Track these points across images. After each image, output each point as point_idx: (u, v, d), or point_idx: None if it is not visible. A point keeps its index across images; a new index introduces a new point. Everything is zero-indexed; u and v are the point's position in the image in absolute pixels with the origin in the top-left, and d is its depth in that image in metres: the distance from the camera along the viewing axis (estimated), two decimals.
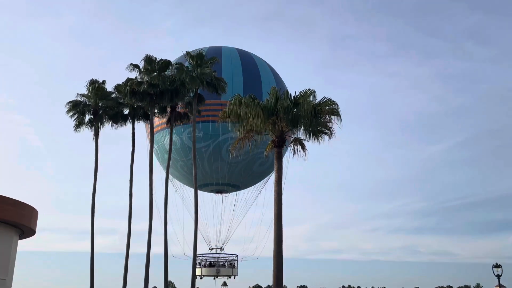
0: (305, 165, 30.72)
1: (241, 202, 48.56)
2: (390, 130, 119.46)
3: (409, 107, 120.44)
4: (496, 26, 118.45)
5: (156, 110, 39.63)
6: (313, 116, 28.81)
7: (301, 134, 29.57)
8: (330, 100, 29.46)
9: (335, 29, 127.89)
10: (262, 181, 48.80)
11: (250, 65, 47.40)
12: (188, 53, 39.53)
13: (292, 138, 29.50)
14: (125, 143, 39.52)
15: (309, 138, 29.47)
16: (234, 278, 48.75)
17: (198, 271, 44.96)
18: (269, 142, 29.80)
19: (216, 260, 48.24)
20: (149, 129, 41.86)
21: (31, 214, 26.52)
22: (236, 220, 47.66)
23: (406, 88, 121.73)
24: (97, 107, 40.29)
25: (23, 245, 29.78)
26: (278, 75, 50.45)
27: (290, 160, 30.30)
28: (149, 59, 38.42)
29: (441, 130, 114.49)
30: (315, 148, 31.24)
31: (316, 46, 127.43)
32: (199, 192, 41.61)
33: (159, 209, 37.89)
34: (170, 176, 41.06)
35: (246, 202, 48.39)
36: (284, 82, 50.96)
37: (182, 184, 48.99)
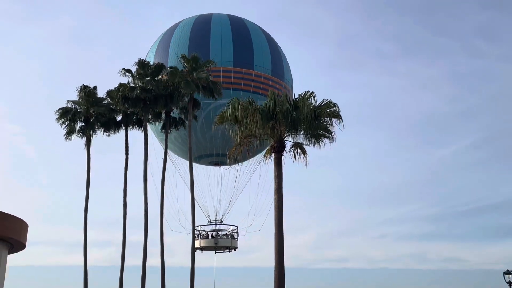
0: (308, 170, 29.66)
1: (241, 175, 46.75)
2: (398, 132, 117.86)
3: (418, 108, 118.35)
4: (508, 23, 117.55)
5: (150, 116, 38.39)
6: (313, 120, 27.76)
7: (301, 139, 28.42)
8: (330, 102, 28.48)
9: (342, 29, 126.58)
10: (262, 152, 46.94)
11: (241, 29, 45.75)
12: (183, 56, 38.39)
13: (292, 143, 28.46)
14: (119, 151, 38.54)
15: (310, 142, 28.38)
16: (235, 250, 47.15)
17: (197, 244, 43.40)
18: (267, 147, 28.97)
19: (216, 232, 46.72)
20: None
21: (21, 227, 25.24)
22: (236, 192, 46.09)
23: (415, 89, 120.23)
24: (89, 114, 39.01)
25: (13, 259, 28.50)
26: (274, 40, 48.56)
27: (291, 165, 28.91)
28: (141, 63, 37.25)
29: (451, 131, 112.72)
30: (318, 152, 29.99)
31: (322, 46, 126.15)
32: (196, 165, 40.94)
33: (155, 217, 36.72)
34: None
35: (246, 174, 46.67)
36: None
37: (178, 156, 47.17)
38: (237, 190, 45.53)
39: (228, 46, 43.39)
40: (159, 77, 37.76)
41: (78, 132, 39.18)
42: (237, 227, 46.96)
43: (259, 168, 44.90)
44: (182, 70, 38.11)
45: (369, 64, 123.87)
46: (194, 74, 37.27)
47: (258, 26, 48.31)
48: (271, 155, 28.40)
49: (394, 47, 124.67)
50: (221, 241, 45.90)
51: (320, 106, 28.16)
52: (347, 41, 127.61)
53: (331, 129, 28.33)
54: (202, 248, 45.82)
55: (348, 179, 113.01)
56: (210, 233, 46.48)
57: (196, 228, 39.70)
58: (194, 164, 38.65)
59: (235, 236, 46.68)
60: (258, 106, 28.76)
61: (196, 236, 42.32)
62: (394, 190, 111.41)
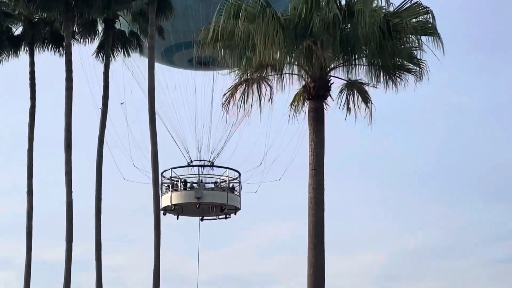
0: (370, 133, 18.73)
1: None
2: None
3: None
4: None
5: (75, 28, 26.39)
6: (385, 39, 17.39)
7: (361, 75, 18.36)
8: (419, 5, 17.53)
9: None
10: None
11: None
12: None
13: (345, 82, 18.01)
14: (21, 90, 25.79)
15: (378, 80, 18.28)
16: (235, 213, 29.80)
17: (166, 200, 28.13)
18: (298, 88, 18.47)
19: (199, 179, 29.74)
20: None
21: None
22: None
23: None
24: None
25: None
26: None
27: (341, 122, 18.64)
28: None
29: None
30: (389, 101, 20.09)
31: None
32: (168, 68, 29.34)
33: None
34: None
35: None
36: None
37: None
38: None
39: None
40: None
41: None
42: (239, 174, 30.06)
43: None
44: None
45: None
46: None
47: None
48: (304, 103, 18.66)
49: None
50: (209, 194, 28.96)
51: (398, 11, 17.93)
52: None
53: (418, 57, 17.98)
54: (175, 209, 28.68)
55: (433, 155, 61.42)
56: (190, 182, 29.54)
57: (164, 173, 27.80)
58: (163, 67, 28.34)
59: (236, 189, 29.84)
60: (278, 13, 17.69)
61: (166, 188, 28.21)
62: None
